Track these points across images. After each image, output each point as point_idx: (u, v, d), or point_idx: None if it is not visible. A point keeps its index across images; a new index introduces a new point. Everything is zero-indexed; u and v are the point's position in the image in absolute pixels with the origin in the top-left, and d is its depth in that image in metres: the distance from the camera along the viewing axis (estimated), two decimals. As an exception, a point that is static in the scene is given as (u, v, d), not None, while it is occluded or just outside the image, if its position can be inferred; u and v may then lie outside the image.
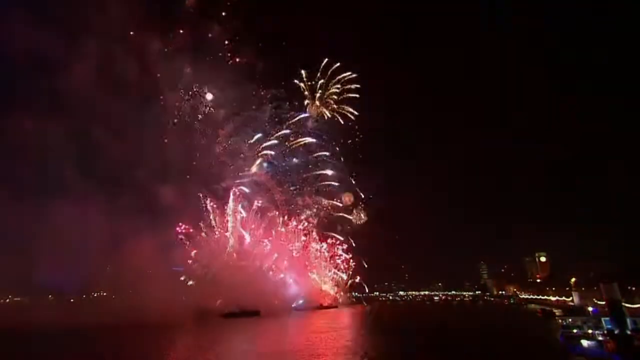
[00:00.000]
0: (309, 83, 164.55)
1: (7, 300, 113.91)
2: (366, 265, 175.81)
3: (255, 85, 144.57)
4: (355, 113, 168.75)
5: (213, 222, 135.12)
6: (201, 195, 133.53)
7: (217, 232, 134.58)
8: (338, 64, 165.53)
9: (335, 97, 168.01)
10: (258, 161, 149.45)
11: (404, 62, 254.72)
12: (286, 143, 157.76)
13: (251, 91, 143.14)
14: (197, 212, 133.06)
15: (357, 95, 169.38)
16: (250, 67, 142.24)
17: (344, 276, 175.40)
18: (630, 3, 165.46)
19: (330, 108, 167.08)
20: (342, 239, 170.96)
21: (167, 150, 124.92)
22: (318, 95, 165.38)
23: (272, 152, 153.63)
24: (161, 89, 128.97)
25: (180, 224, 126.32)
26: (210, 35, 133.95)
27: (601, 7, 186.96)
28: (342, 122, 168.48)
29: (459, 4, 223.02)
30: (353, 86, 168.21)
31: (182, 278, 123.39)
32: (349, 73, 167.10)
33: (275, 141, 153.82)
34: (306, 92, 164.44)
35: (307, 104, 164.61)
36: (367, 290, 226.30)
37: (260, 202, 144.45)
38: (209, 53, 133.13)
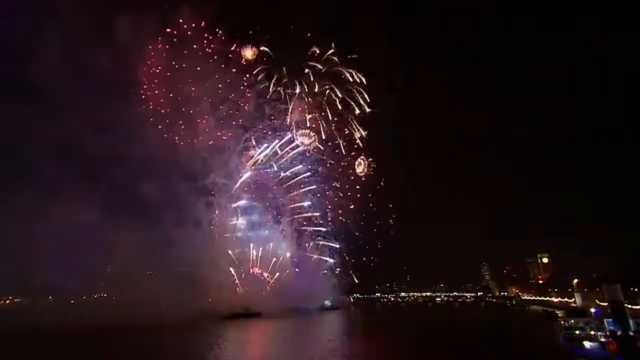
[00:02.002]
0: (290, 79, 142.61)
1: (7, 301, 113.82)
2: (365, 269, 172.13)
3: (235, 74, 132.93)
4: (362, 133, 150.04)
5: (201, 219, 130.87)
6: (187, 192, 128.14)
7: (205, 231, 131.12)
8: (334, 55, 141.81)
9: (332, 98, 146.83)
10: (249, 156, 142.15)
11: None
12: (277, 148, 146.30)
13: (231, 81, 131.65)
14: (184, 210, 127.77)
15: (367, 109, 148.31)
16: (227, 54, 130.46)
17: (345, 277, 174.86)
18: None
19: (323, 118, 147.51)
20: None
21: (148, 145, 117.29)
22: (305, 96, 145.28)
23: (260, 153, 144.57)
24: (139, 79, 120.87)
25: (171, 223, 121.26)
26: (181, 20, 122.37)
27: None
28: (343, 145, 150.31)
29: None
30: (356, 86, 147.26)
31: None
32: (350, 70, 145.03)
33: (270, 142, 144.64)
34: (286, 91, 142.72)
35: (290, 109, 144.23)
36: (368, 292, 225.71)
37: (248, 201, 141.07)
38: (183, 39, 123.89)
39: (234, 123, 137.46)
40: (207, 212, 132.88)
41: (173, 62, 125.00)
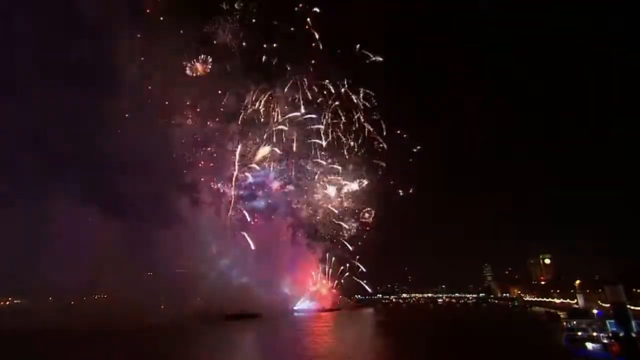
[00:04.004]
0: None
1: (7, 302, 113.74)
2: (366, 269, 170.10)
3: (213, 62, 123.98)
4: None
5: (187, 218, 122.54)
6: (169, 189, 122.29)
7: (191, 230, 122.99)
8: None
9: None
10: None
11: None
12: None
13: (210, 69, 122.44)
14: (168, 208, 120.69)
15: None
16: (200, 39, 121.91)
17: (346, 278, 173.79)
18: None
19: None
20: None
21: (127, 139, 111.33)
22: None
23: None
24: (111, 68, 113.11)
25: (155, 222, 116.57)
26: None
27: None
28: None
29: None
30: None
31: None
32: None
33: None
34: None
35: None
36: (369, 293, 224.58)
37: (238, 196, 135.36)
38: (154, 25, 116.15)
39: (217, 114, 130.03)
40: (193, 210, 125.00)
41: (146, 49, 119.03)
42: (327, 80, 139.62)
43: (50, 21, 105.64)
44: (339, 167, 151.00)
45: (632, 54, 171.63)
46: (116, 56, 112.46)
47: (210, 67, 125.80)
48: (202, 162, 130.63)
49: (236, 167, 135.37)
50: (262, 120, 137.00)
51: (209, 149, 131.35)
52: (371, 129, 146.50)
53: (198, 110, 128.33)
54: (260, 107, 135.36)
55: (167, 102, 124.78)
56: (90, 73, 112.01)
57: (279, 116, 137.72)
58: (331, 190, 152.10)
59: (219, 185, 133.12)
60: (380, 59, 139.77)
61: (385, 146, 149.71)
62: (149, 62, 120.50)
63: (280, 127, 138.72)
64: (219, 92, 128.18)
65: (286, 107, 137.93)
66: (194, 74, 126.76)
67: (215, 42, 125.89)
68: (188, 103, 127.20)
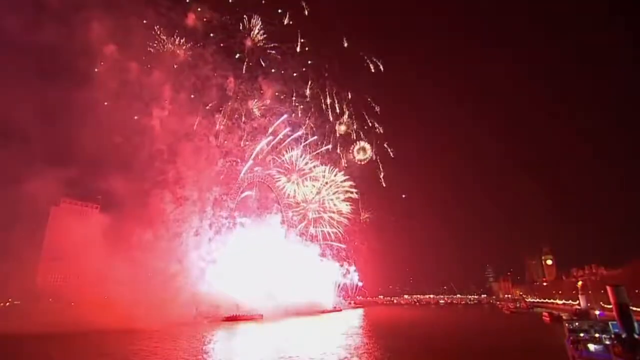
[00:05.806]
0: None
1: (7, 303, 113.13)
2: (366, 270, 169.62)
3: (192, 47, 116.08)
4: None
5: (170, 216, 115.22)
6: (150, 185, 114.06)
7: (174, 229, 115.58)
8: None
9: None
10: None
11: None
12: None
13: (188, 55, 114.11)
14: (150, 206, 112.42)
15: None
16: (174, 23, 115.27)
17: (347, 279, 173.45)
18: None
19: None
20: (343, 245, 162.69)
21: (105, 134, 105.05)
22: None
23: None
24: (84, 57, 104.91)
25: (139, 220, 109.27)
26: None
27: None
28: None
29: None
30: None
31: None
32: None
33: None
34: None
35: None
36: (370, 294, 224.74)
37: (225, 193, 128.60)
38: (127, 10, 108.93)
39: (199, 107, 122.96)
40: (175, 207, 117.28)
41: (121, 37, 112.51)
42: (310, 81, 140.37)
43: (15, 3, 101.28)
44: (335, 166, 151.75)
45: None
46: (88, 41, 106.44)
47: (187, 51, 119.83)
48: (185, 157, 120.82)
49: (222, 163, 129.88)
50: (244, 114, 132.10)
51: (191, 142, 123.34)
52: (362, 133, 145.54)
53: (178, 102, 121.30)
54: (243, 100, 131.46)
55: (144, 93, 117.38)
56: (60, 60, 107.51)
57: (263, 110, 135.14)
58: (327, 190, 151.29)
59: (205, 181, 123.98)
60: (379, 64, 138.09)
61: (377, 154, 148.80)
62: (123, 48, 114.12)
63: (267, 121, 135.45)
64: (200, 83, 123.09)
65: (270, 101, 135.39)
66: (173, 60, 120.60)
67: (189, 26, 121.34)
68: (167, 94, 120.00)
